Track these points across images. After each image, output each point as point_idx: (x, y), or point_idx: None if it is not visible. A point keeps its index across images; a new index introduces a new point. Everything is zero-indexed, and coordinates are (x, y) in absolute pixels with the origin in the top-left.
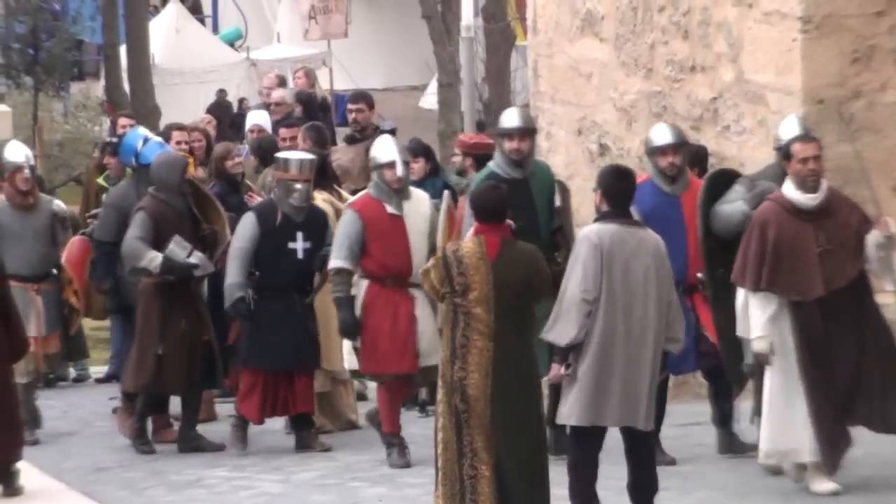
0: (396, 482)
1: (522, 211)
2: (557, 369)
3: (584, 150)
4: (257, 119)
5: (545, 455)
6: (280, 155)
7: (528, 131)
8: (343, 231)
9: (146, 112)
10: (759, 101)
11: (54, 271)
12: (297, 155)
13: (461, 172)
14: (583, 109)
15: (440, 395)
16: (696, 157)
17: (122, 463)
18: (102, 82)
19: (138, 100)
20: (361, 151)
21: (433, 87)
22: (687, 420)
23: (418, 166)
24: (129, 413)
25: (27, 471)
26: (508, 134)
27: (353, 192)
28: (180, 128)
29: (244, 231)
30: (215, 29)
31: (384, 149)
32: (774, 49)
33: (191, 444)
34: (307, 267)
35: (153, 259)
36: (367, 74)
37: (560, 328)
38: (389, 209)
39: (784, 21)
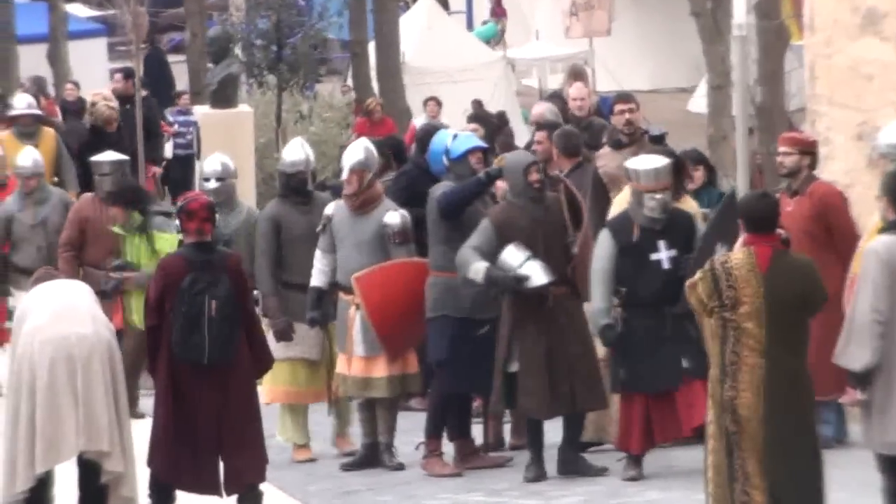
0: None
1: None
2: (853, 393)
3: (864, 157)
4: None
5: (822, 479)
6: (630, 165)
7: None
8: None
9: (396, 113)
10: None
11: None
12: (647, 164)
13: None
14: (863, 113)
15: (710, 415)
16: None
17: (371, 486)
18: (348, 81)
19: (387, 100)
20: (629, 157)
21: (702, 89)
22: None
23: (698, 174)
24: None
25: (271, 493)
26: None
27: None
28: None
29: (600, 250)
30: (469, 26)
31: None
32: None
33: (571, 466)
34: (673, 277)
35: (478, 271)
36: (632, 75)
37: (852, 352)
38: None
39: None
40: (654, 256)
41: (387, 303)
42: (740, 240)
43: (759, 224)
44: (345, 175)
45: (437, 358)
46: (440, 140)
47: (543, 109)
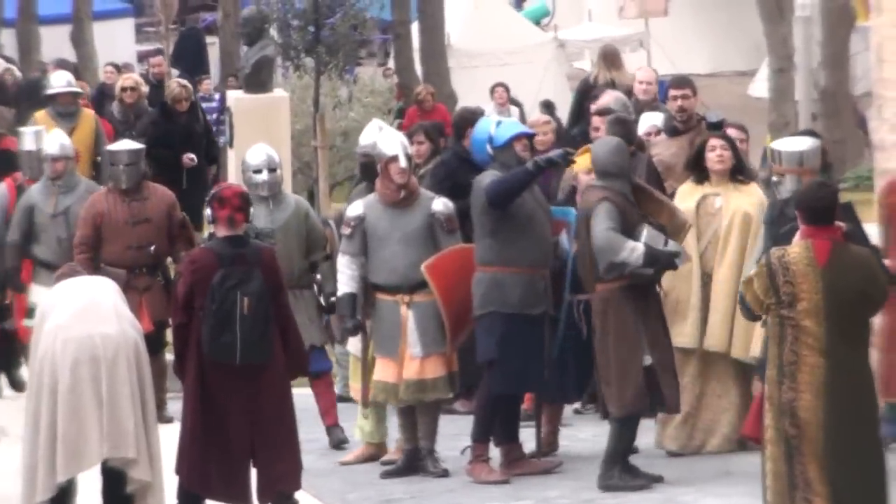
0: None
1: None
2: None
3: None
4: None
5: (886, 484)
6: (774, 145)
7: None
8: None
9: (441, 98)
10: None
11: None
12: (791, 146)
13: None
14: None
15: (767, 419)
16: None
17: (414, 494)
18: (390, 63)
19: (432, 84)
20: (685, 145)
21: (763, 72)
22: None
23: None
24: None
25: (307, 502)
26: None
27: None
28: None
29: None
30: (519, 5)
31: None
32: None
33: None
34: None
35: (634, 249)
36: (689, 58)
37: None
38: None
39: None
40: None
41: (458, 289)
42: (798, 233)
43: (817, 215)
44: (389, 161)
45: (485, 357)
46: (483, 127)
47: (611, 99)
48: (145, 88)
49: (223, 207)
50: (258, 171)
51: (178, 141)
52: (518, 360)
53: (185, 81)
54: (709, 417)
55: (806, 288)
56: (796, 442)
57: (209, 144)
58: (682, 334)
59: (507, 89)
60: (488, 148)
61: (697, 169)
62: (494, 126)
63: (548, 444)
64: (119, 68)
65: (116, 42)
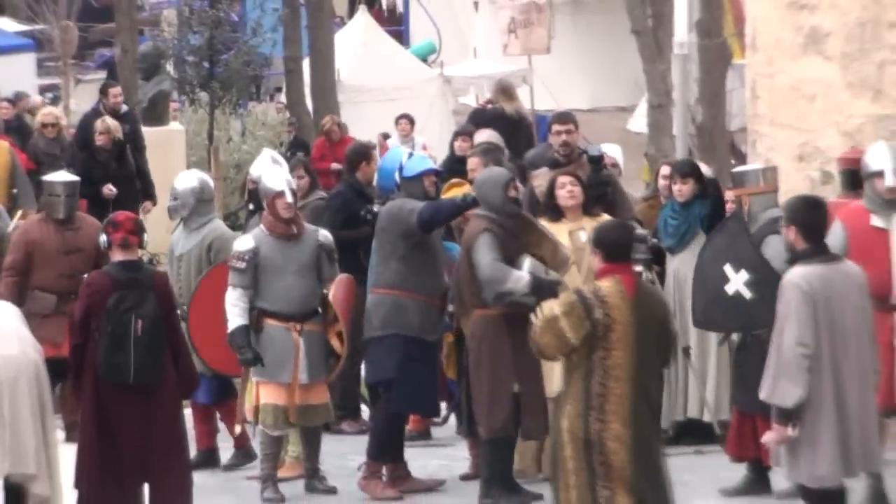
0: None
1: None
2: (783, 430)
3: (804, 177)
4: None
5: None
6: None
7: None
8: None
9: (331, 132)
10: None
11: (319, 310)
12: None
13: None
14: (805, 134)
15: (567, 451)
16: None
17: None
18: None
19: (322, 118)
20: None
21: (642, 108)
22: None
23: (686, 188)
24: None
25: None
26: None
27: None
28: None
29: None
30: (406, 43)
31: (876, 156)
32: None
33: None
34: None
35: (520, 279)
36: (571, 93)
37: (783, 388)
38: (875, 221)
39: None
40: None
41: (348, 317)
42: (599, 268)
43: (618, 253)
44: (276, 196)
45: (384, 377)
46: (394, 157)
47: (485, 136)
48: (65, 121)
49: (117, 231)
50: (175, 199)
51: (101, 177)
52: (417, 381)
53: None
54: None
55: (619, 319)
56: (603, 470)
57: (144, 181)
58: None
59: (411, 121)
60: (396, 177)
61: (551, 207)
62: (406, 157)
63: (475, 467)
64: (14, 102)
65: (19, 77)
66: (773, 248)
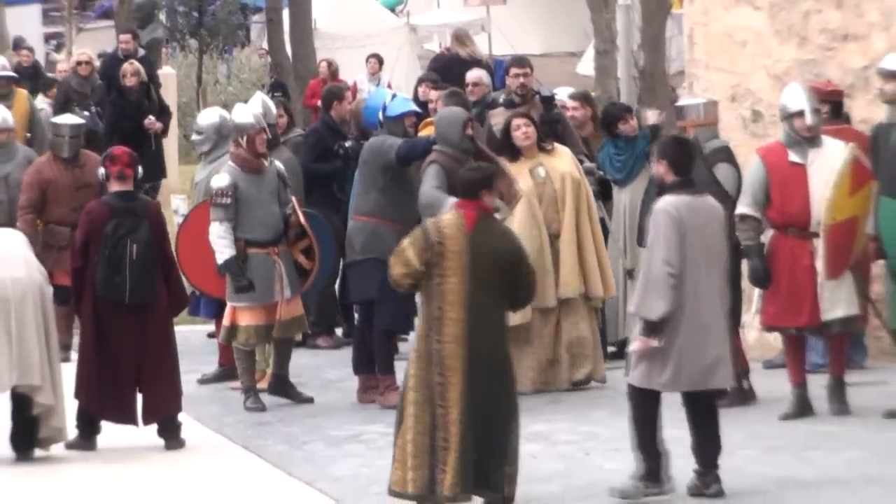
0: (551, 440)
1: None
2: (646, 342)
3: (737, 116)
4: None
5: (515, 422)
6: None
7: None
8: (748, 177)
9: (308, 75)
10: None
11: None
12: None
13: None
14: (737, 77)
15: (412, 369)
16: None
17: (282, 418)
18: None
19: (300, 63)
20: None
21: (590, 53)
22: None
23: (633, 123)
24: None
25: (189, 424)
26: None
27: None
28: None
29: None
30: None
31: (794, 97)
32: None
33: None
34: None
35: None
36: (525, 40)
37: (650, 303)
38: (792, 157)
39: None
40: None
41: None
42: (454, 203)
43: (467, 190)
44: (257, 133)
45: (366, 297)
46: (379, 96)
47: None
48: (97, 63)
49: (114, 164)
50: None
51: (135, 114)
52: (396, 300)
53: (136, 63)
54: (569, 357)
55: (454, 249)
56: (441, 389)
57: (164, 115)
58: (543, 296)
59: (379, 60)
60: (380, 115)
61: (508, 147)
62: (390, 98)
63: None
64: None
65: (25, 27)
66: (723, 175)
